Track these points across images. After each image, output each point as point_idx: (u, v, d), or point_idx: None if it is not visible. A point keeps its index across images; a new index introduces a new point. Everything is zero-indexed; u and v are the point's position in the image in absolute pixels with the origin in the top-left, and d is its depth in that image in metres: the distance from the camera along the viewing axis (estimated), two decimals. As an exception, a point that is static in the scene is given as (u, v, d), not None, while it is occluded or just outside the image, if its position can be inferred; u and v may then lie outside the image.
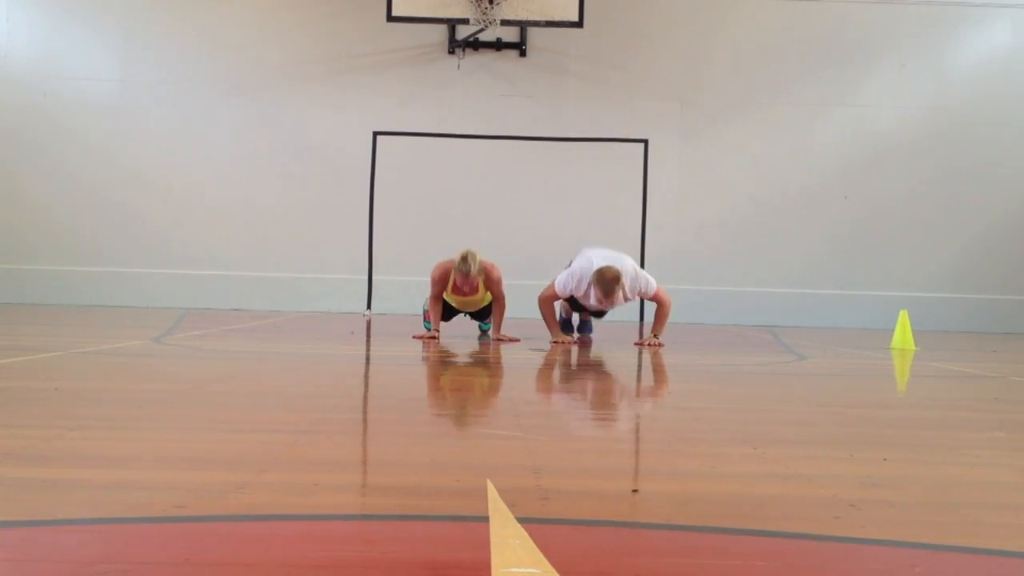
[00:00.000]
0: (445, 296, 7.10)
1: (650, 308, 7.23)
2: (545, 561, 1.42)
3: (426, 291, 7.31)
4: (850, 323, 11.80)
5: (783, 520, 1.80)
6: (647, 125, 11.71)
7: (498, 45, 11.89)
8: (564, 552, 1.50)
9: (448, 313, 7.26)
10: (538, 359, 5.74)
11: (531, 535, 1.55)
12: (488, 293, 7.07)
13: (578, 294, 6.74)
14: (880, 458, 2.45)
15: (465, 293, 7.03)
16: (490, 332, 7.19)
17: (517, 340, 6.87)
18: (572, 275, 6.72)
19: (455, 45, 11.85)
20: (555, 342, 6.74)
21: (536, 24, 11.04)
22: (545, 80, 12.09)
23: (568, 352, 6.18)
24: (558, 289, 6.80)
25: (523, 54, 12.04)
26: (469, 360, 5.66)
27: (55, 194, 11.83)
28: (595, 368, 5.45)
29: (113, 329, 7.67)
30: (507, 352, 6.11)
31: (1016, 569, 1.55)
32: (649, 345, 6.74)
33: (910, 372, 5.77)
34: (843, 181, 12.18)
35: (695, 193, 12.16)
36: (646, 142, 11.25)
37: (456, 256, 6.89)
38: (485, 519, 1.67)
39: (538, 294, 6.94)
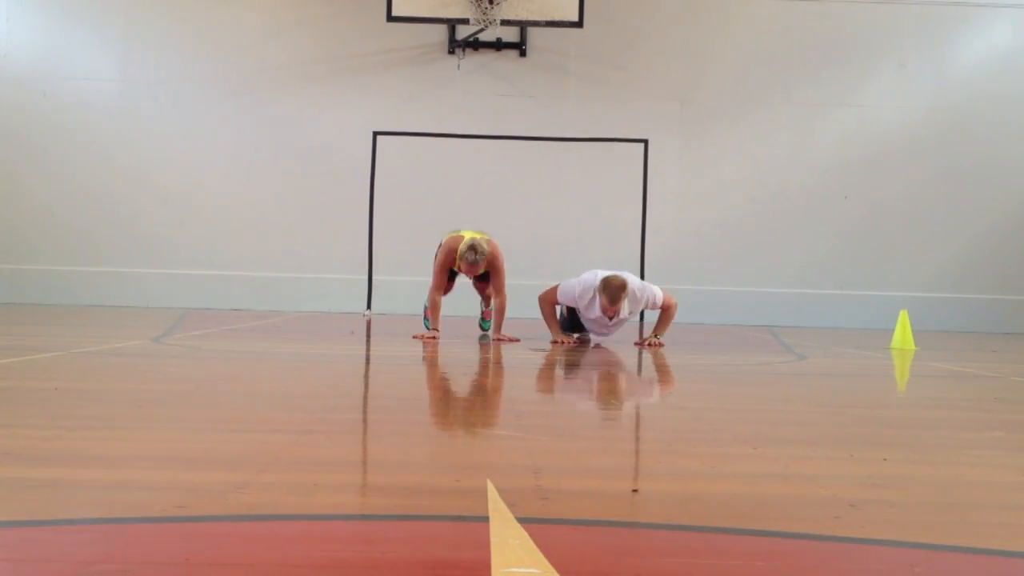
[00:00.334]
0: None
1: (649, 311, 7.22)
2: (545, 561, 1.42)
3: (426, 291, 7.32)
4: (850, 323, 11.80)
5: (783, 520, 1.80)
6: (647, 125, 11.71)
7: (498, 45, 11.89)
8: (564, 552, 1.50)
9: (453, 280, 7.24)
10: (538, 359, 5.74)
11: (531, 535, 1.55)
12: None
13: (580, 305, 6.71)
14: (880, 458, 2.45)
15: (468, 274, 7.06)
16: (490, 332, 7.19)
17: (517, 340, 6.87)
18: (578, 283, 6.69)
19: (455, 45, 11.85)
20: (555, 341, 6.74)
21: (536, 24, 11.04)
22: (545, 80, 12.09)
23: (568, 352, 6.17)
24: (561, 295, 6.78)
25: (523, 54, 12.04)
26: (469, 360, 5.66)
27: (55, 194, 11.83)
28: (595, 368, 5.45)
29: (113, 329, 7.67)
30: (507, 352, 6.11)
31: (1016, 569, 1.55)
32: (650, 345, 6.74)
33: (910, 372, 5.77)
34: (843, 181, 12.18)
35: (695, 193, 12.16)
36: (646, 142, 11.24)
37: (463, 245, 6.82)
38: (485, 519, 1.67)
39: (539, 294, 6.93)
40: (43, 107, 11.86)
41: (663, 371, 5.37)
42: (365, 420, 3.19)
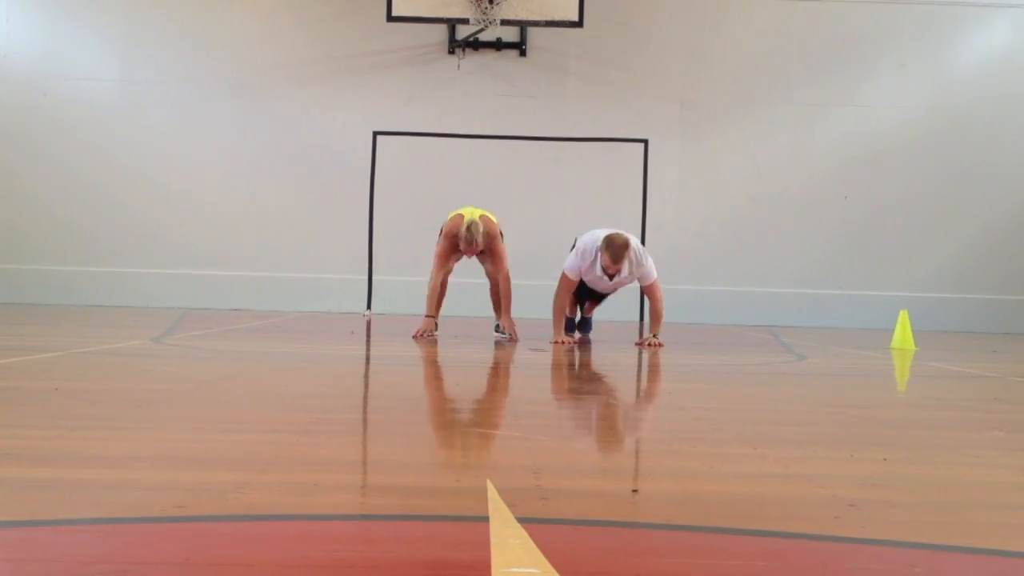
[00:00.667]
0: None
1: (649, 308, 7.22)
2: (545, 561, 1.42)
3: (425, 290, 7.33)
4: (850, 323, 11.80)
5: (783, 520, 1.80)
6: (647, 125, 11.71)
7: (498, 45, 11.90)
8: (564, 552, 1.50)
9: (456, 250, 7.29)
10: (538, 359, 5.74)
11: (531, 535, 1.55)
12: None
13: (584, 266, 6.68)
14: (880, 458, 2.45)
15: (469, 255, 7.15)
16: (501, 324, 7.20)
17: (516, 340, 6.88)
18: (578, 253, 6.69)
19: (455, 45, 11.85)
20: (555, 342, 6.72)
21: (536, 24, 11.04)
22: (545, 80, 12.09)
23: (568, 352, 6.17)
24: (570, 274, 6.76)
25: (523, 54, 12.04)
26: (469, 360, 5.66)
27: (55, 194, 11.83)
28: (595, 368, 5.45)
29: (113, 329, 7.67)
30: (507, 352, 6.11)
31: (1016, 569, 1.55)
32: (649, 345, 6.73)
33: (910, 372, 5.77)
34: (843, 181, 12.18)
35: (695, 193, 12.16)
36: (646, 142, 11.24)
37: (461, 227, 6.94)
38: (485, 519, 1.67)
39: (549, 290, 6.95)
40: (43, 107, 11.86)
41: (663, 371, 5.37)
42: (365, 420, 3.19)
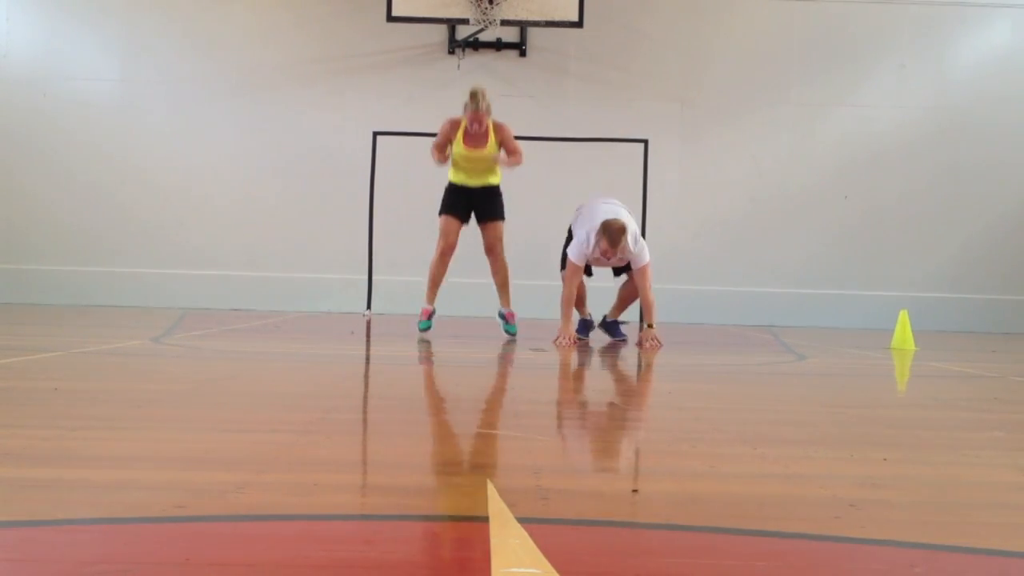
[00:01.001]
0: (455, 158, 7.15)
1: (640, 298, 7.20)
2: (545, 561, 1.42)
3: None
4: (850, 323, 11.80)
5: (783, 520, 1.80)
6: (647, 125, 11.70)
7: (498, 45, 11.89)
8: (564, 552, 1.50)
9: (457, 203, 7.21)
10: (538, 359, 5.74)
11: (531, 535, 1.55)
12: (497, 149, 7.11)
13: (588, 251, 6.75)
14: (880, 458, 2.45)
15: (475, 142, 7.07)
16: (501, 308, 7.23)
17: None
18: (580, 243, 6.76)
19: (455, 45, 11.84)
20: (558, 340, 6.69)
21: (536, 24, 11.03)
22: (545, 80, 12.09)
23: (568, 353, 6.17)
24: (576, 260, 6.82)
25: (523, 54, 12.04)
26: (469, 360, 5.66)
27: (55, 194, 11.83)
28: (595, 368, 5.45)
29: (113, 329, 7.67)
30: (507, 352, 6.11)
31: (1016, 569, 1.55)
32: (649, 347, 6.68)
33: (910, 372, 5.77)
34: (843, 181, 12.18)
35: (695, 193, 12.16)
36: (646, 142, 11.23)
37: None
38: (485, 519, 1.67)
39: (558, 285, 6.99)
40: (43, 107, 11.85)
41: (663, 371, 5.37)
42: (365, 420, 3.19)
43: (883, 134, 12.17)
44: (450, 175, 7.35)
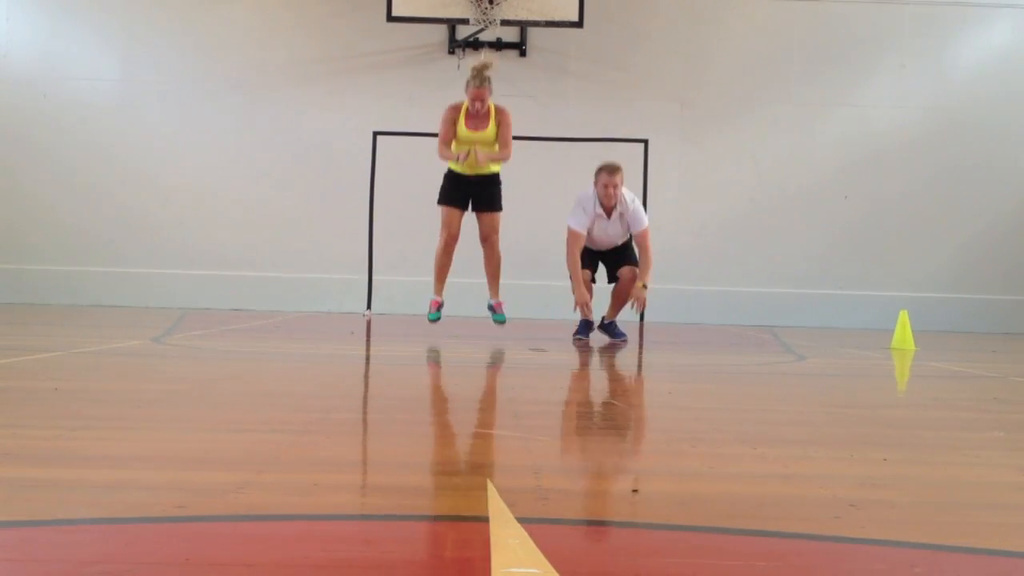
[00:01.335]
0: (458, 142, 7.17)
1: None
2: (545, 561, 1.42)
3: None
4: (850, 323, 11.80)
5: (783, 520, 1.80)
6: (647, 125, 11.70)
7: (498, 45, 11.89)
8: (564, 552, 1.50)
9: (456, 191, 7.21)
10: (538, 359, 5.74)
11: (531, 535, 1.55)
12: (495, 133, 7.12)
13: (586, 218, 6.85)
14: (880, 458, 2.45)
15: (477, 123, 7.06)
16: (490, 299, 7.24)
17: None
18: (577, 204, 6.91)
19: (455, 45, 11.84)
20: (576, 306, 6.92)
21: (536, 24, 11.04)
22: (545, 80, 12.09)
23: (567, 352, 6.18)
24: (576, 227, 6.99)
25: (523, 54, 12.04)
26: (469, 360, 5.66)
27: (55, 194, 11.83)
28: (595, 368, 5.45)
29: (113, 329, 7.67)
30: (507, 352, 6.11)
31: (1016, 569, 1.55)
32: (638, 299, 6.82)
33: (910, 372, 5.77)
34: (843, 181, 12.18)
35: (695, 193, 12.16)
36: (646, 142, 11.24)
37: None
38: (485, 519, 1.67)
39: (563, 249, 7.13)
40: (43, 107, 11.86)
41: (663, 371, 5.37)
42: (365, 420, 3.19)
43: (883, 134, 12.18)
44: (450, 162, 7.34)
